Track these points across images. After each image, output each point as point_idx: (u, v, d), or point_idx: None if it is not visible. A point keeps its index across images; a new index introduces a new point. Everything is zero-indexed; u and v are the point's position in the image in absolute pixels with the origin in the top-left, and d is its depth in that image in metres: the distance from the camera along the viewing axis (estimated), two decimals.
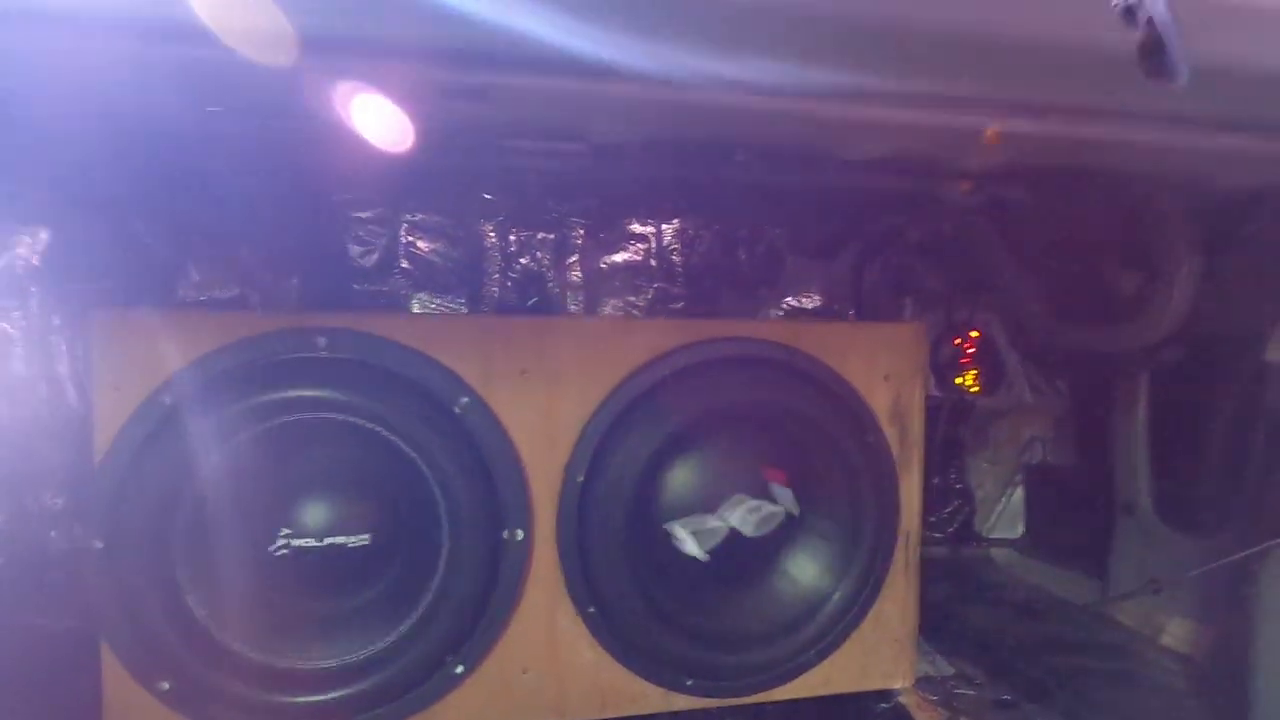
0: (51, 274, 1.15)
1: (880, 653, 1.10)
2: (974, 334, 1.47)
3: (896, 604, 1.10)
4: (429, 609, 0.92)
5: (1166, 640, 1.19)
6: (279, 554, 0.91)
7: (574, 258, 1.39)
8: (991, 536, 1.63)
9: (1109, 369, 1.26)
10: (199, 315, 0.88)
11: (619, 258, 1.41)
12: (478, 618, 0.95)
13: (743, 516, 1.01)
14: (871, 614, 1.08)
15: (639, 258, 1.41)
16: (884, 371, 1.06)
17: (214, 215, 1.21)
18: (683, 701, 1.05)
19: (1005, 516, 1.63)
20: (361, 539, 0.93)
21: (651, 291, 1.42)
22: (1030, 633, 1.32)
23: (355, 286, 1.31)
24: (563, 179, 1.23)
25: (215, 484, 0.87)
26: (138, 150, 0.93)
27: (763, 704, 1.08)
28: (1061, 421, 1.54)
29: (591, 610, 0.99)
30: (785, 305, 1.48)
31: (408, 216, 1.32)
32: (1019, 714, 1.08)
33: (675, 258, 1.42)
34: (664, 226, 1.41)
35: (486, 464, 0.94)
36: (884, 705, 1.14)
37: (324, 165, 1.10)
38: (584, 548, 0.98)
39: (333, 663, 0.92)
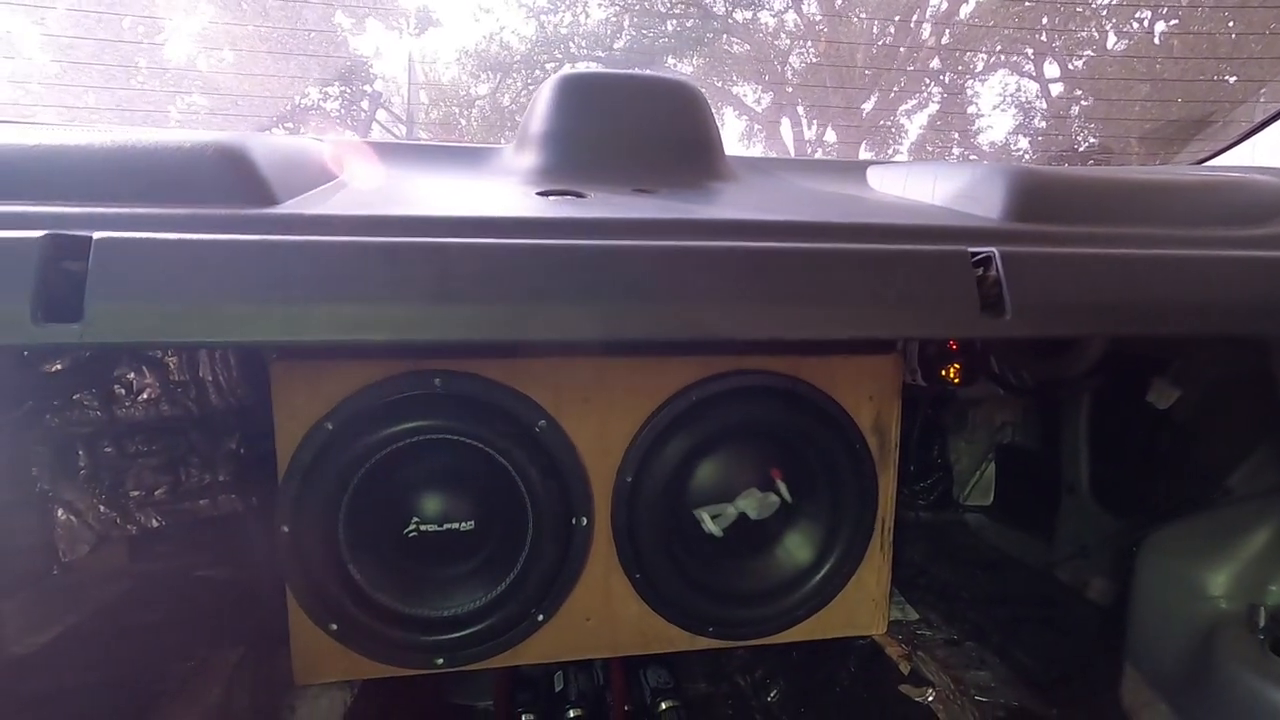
0: None
1: (860, 609, 1.31)
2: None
3: (874, 573, 1.30)
4: (519, 575, 1.15)
5: (1091, 595, 1.43)
6: (410, 535, 1.13)
7: None
8: (966, 504, 1.85)
9: (1057, 383, 1.48)
10: (350, 362, 1.08)
11: None
12: (554, 581, 1.17)
13: (750, 504, 1.21)
14: (853, 580, 1.28)
15: None
16: (868, 393, 1.24)
17: None
18: (704, 642, 1.26)
19: (979, 487, 1.85)
20: (468, 525, 1.15)
21: None
22: (985, 586, 1.57)
23: None
24: None
25: (365, 485, 1.10)
26: None
27: (765, 645, 1.31)
28: (1028, 410, 1.75)
29: (637, 576, 1.20)
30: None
31: None
32: (961, 650, 1.36)
33: None
34: None
35: (559, 469, 1.14)
36: (861, 642, 1.40)
37: None
38: (632, 530, 1.18)
39: (450, 612, 1.14)
